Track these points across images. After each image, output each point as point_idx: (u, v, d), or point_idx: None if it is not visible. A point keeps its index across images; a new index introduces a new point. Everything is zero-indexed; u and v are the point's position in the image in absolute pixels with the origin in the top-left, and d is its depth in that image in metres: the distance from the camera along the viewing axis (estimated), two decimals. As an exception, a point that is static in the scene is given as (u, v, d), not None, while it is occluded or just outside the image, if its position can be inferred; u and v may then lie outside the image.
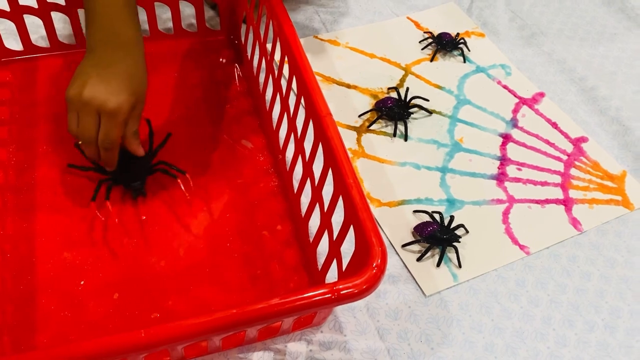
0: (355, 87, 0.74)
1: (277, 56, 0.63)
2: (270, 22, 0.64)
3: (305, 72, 0.56)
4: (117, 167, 0.57)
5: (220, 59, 0.74)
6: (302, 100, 0.56)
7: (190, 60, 0.74)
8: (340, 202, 0.49)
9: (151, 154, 0.61)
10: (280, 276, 0.55)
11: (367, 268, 0.42)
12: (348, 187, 0.47)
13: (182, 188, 0.60)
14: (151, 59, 0.72)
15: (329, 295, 0.41)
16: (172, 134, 0.64)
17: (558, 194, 0.65)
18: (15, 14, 0.67)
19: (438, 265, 0.57)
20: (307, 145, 0.56)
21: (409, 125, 0.70)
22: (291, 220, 0.59)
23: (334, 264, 0.50)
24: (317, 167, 0.53)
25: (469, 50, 0.80)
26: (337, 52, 0.78)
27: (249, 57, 0.72)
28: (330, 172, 0.51)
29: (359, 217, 0.45)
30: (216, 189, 0.61)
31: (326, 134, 0.51)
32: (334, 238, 0.50)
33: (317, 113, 0.52)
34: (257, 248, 0.57)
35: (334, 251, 0.50)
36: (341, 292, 0.41)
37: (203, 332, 0.39)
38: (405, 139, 0.68)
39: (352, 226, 0.47)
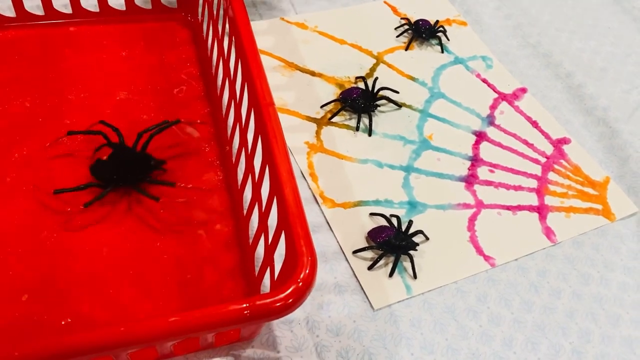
0: (320, 75, 0.68)
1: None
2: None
3: (252, 55, 0.50)
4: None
5: (176, 39, 0.68)
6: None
7: (141, 39, 0.68)
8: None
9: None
10: (213, 282, 0.49)
11: (291, 281, 0.37)
12: (282, 187, 0.41)
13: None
14: (99, 37, 0.67)
15: (244, 311, 0.36)
16: (113, 121, 0.59)
17: (532, 200, 0.59)
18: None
19: (390, 275, 0.51)
20: (251, 137, 0.50)
21: (375, 119, 0.64)
22: (233, 218, 0.53)
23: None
24: (259, 161, 0.48)
25: (448, 40, 0.74)
26: (304, 36, 0.72)
27: (204, 37, 0.66)
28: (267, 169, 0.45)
29: (290, 222, 0.40)
30: (153, 181, 0.55)
31: (265, 126, 0.45)
32: (269, 242, 0.45)
33: (259, 102, 0.47)
34: (191, 249, 0.51)
35: (268, 257, 0.45)
36: (258, 309, 0.36)
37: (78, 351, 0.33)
38: (369, 134, 0.63)
39: (283, 231, 0.41)
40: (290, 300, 0.36)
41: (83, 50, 0.66)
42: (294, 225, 0.39)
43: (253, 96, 0.48)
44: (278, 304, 0.36)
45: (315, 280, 0.38)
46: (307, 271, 0.37)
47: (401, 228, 0.54)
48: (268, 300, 0.36)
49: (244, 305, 0.36)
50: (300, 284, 0.37)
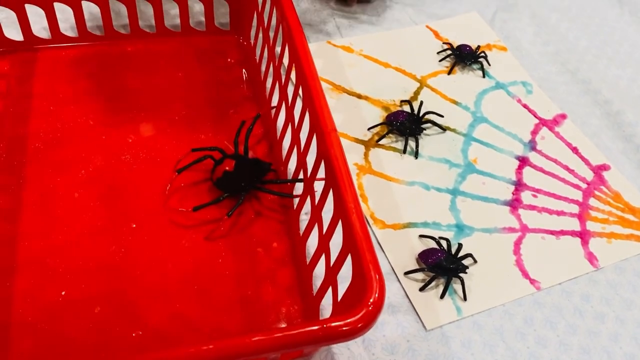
0: (366, 98, 0.70)
1: (286, 61, 0.59)
2: (280, 25, 0.61)
3: (313, 82, 0.52)
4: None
5: (228, 59, 0.71)
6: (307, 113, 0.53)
7: (196, 59, 0.70)
8: (340, 226, 0.46)
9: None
10: (271, 298, 0.52)
11: (362, 305, 0.39)
12: (348, 213, 0.44)
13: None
14: (156, 56, 0.70)
15: (319, 333, 0.38)
16: (172, 139, 0.62)
17: (575, 225, 0.61)
18: (17, 3, 0.65)
19: (442, 297, 0.53)
20: (310, 160, 0.52)
21: (420, 142, 0.66)
22: (289, 238, 0.56)
23: (330, 290, 0.47)
24: (320, 184, 0.50)
25: (489, 65, 0.76)
26: (350, 60, 0.74)
27: (257, 60, 0.69)
28: (331, 192, 0.47)
29: (358, 247, 0.42)
30: (212, 199, 0.58)
31: (329, 152, 0.47)
32: (331, 264, 0.47)
33: (321, 128, 0.49)
34: (250, 266, 0.53)
35: (330, 278, 0.47)
36: (332, 331, 0.38)
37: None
38: (416, 157, 0.65)
39: (349, 254, 0.43)
40: (361, 325, 0.38)
41: (140, 69, 0.68)
42: (362, 249, 0.42)
43: (315, 121, 0.50)
44: (349, 327, 0.38)
45: (383, 305, 0.40)
46: (377, 295, 0.40)
47: (451, 251, 0.56)
48: (341, 323, 0.38)
49: (319, 327, 0.38)
50: (371, 308, 0.39)
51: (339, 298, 0.45)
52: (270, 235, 0.56)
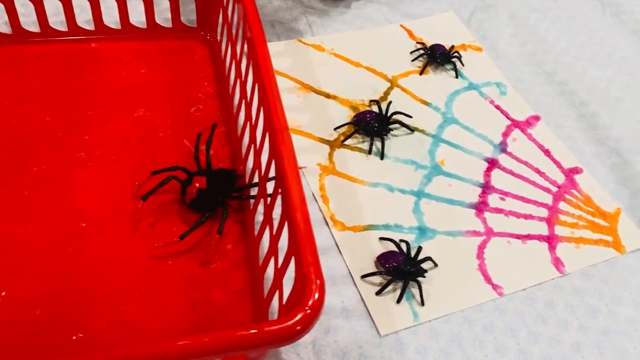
0: (334, 97, 0.69)
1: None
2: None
3: (268, 78, 0.51)
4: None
5: (194, 57, 0.70)
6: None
7: (161, 56, 0.69)
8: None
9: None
10: (222, 302, 0.50)
11: (299, 308, 0.37)
12: (292, 213, 0.42)
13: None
14: (120, 53, 0.69)
15: (252, 337, 0.36)
16: (129, 136, 0.60)
17: (542, 229, 0.59)
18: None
19: (398, 301, 0.52)
20: (265, 159, 0.51)
21: (387, 142, 0.65)
22: (244, 239, 0.54)
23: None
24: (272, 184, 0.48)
25: (462, 65, 0.74)
26: (320, 58, 0.73)
27: (222, 57, 0.67)
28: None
29: (300, 249, 0.40)
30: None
31: (278, 150, 0.46)
32: (279, 266, 0.46)
33: (273, 126, 0.47)
34: (201, 269, 0.52)
35: (277, 281, 0.46)
36: (266, 336, 0.36)
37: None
38: (382, 158, 0.63)
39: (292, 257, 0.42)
40: (298, 328, 0.37)
41: (103, 66, 0.67)
42: (303, 251, 0.40)
43: (268, 119, 0.49)
44: (285, 331, 0.37)
45: (323, 308, 0.38)
46: (316, 298, 0.38)
47: (410, 254, 0.54)
48: (275, 327, 0.36)
49: (252, 331, 0.36)
50: (308, 311, 0.37)
51: (284, 302, 0.44)
52: (225, 237, 0.54)
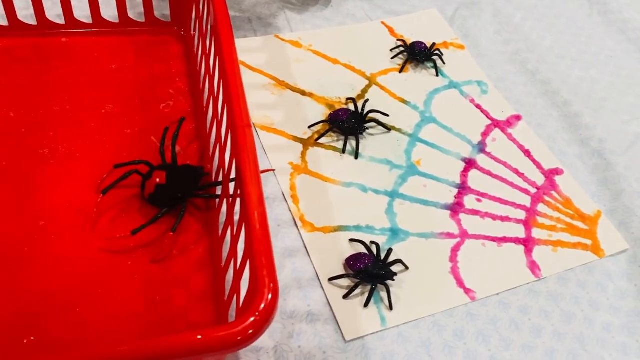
0: (310, 95, 0.67)
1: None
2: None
3: (232, 73, 0.49)
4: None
5: (167, 52, 0.68)
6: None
7: (133, 52, 0.67)
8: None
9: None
10: (182, 304, 0.48)
11: (248, 313, 0.36)
12: (249, 214, 0.40)
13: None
14: (90, 48, 0.67)
15: (198, 343, 0.35)
16: (95, 133, 0.58)
17: (519, 232, 0.57)
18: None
19: (366, 305, 0.50)
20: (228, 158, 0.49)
21: (363, 141, 0.63)
22: (209, 239, 0.53)
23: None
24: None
25: (443, 63, 0.73)
26: (297, 55, 0.71)
27: (195, 52, 0.66)
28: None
29: (254, 251, 0.39)
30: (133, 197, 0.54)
31: (239, 149, 0.44)
32: (237, 268, 0.44)
33: (235, 122, 0.46)
34: (163, 269, 0.50)
35: (235, 283, 0.44)
36: (213, 341, 0.35)
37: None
38: (356, 157, 0.61)
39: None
40: (250, 332, 0.35)
41: (73, 61, 0.65)
42: (257, 254, 0.38)
43: (230, 115, 0.47)
44: (233, 338, 0.35)
45: (275, 313, 0.36)
46: (267, 303, 0.36)
47: (380, 256, 0.53)
48: (223, 333, 0.35)
49: (198, 337, 0.35)
50: (258, 317, 0.35)
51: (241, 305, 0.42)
52: (189, 237, 0.52)
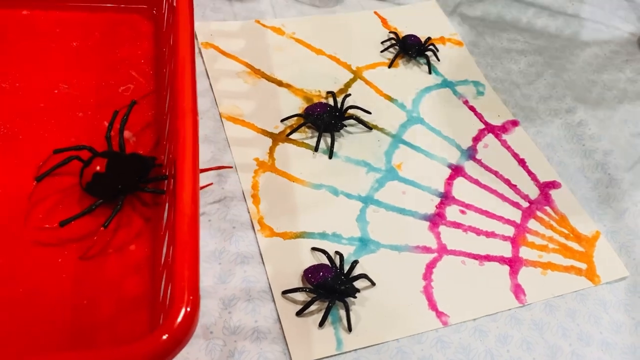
0: (287, 86, 0.61)
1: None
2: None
3: (183, 54, 0.43)
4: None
5: (136, 31, 0.62)
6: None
7: (98, 30, 0.62)
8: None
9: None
10: (112, 309, 0.43)
11: (160, 330, 0.30)
12: (176, 215, 0.35)
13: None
14: (53, 24, 0.62)
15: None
16: (44, 115, 0.53)
17: (506, 250, 0.51)
18: None
19: (320, 324, 0.44)
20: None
21: (340, 140, 0.57)
22: (152, 239, 0.47)
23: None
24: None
25: (438, 60, 0.66)
26: (278, 42, 0.65)
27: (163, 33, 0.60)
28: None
29: (176, 259, 0.33)
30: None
31: (177, 139, 0.39)
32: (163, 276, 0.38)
33: (176, 108, 0.40)
34: (95, 271, 0.45)
35: (165, 292, 0.38)
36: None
37: None
38: (330, 156, 0.56)
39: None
40: (163, 350, 0.30)
41: (33, 36, 0.60)
42: (179, 263, 0.33)
43: (173, 100, 0.41)
44: (139, 357, 0.30)
45: (190, 335, 0.31)
46: (183, 318, 0.31)
47: (343, 269, 0.47)
48: (125, 353, 0.29)
49: (99, 354, 0.29)
50: (166, 338, 0.30)
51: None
52: (128, 234, 0.47)
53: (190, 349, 0.42)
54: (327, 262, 0.47)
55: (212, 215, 0.50)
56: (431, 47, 0.66)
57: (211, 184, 0.51)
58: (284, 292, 0.45)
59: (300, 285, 0.46)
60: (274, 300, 0.45)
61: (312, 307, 0.45)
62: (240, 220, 0.50)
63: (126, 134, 0.53)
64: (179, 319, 0.31)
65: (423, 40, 0.66)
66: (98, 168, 0.47)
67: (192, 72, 0.43)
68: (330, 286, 0.45)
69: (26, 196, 0.47)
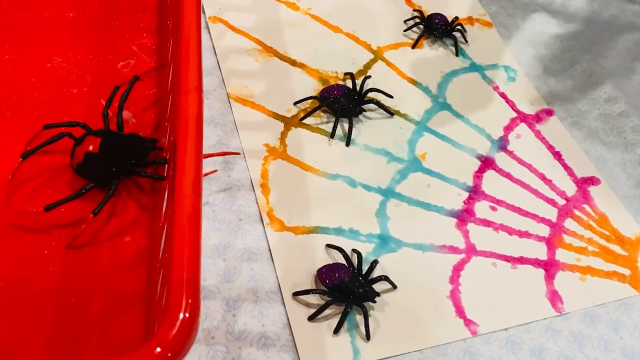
0: (301, 66, 0.56)
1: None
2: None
3: (187, 27, 0.39)
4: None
5: (137, 4, 0.57)
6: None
7: (97, 0, 0.57)
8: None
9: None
10: (102, 307, 0.38)
11: (152, 342, 0.26)
12: (175, 206, 0.30)
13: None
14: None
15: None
16: (35, 90, 0.49)
17: (541, 252, 0.46)
18: None
19: (335, 331, 0.39)
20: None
21: (358, 126, 0.52)
22: (149, 230, 0.42)
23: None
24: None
25: (466, 42, 0.61)
26: (293, 18, 0.60)
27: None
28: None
29: (173, 257, 0.28)
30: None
31: (179, 119, 0.34)
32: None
33: (179, 85, 0.35)
34: (86, 265, 0.40)
35: (162, 290, 0.34)
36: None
37: None
38: (347, 144, 0.51)
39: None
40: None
41: (26, 5, 0.55)
42: (177, 262, 0.28)
43: (176, 76, 0.37)
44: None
45: (189, 347, 0.26)
46: (176, 331, 0.26)
47: (361, 269, 0.42)
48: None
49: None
50: (159, 350, 0.25)
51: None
52: (123, 223, 0.42)
53: (189, 356, 0.37)
54: (343, 261, 0.42)
55: (216, 206, 0.45)
56: (458, 27, 0.61)
57: (216, 170, 0.46)
58: (295, 294, 0.41)
59: (313, 286, 0.41)
60: (283, 303, 0.41)
61: (327, 312, 0.40)
62: (247, 212, 0.45)
63: (125, 114, 0.48)
64: (175, 329, 0.26)
65: (450, 20, 0.61)
66: (91, 148, 0.42)
67: (198, 48, 0.38)
68: (347, 288, 0.40)
69: (8, 174, 0.43)
